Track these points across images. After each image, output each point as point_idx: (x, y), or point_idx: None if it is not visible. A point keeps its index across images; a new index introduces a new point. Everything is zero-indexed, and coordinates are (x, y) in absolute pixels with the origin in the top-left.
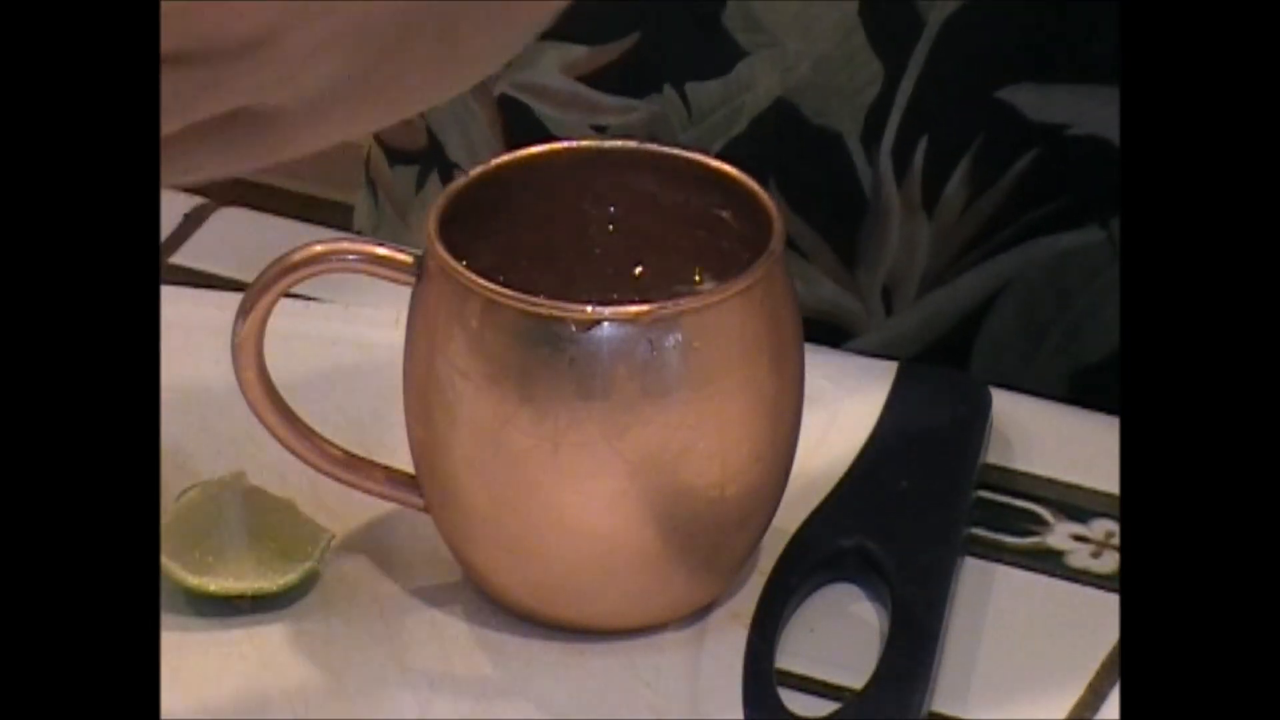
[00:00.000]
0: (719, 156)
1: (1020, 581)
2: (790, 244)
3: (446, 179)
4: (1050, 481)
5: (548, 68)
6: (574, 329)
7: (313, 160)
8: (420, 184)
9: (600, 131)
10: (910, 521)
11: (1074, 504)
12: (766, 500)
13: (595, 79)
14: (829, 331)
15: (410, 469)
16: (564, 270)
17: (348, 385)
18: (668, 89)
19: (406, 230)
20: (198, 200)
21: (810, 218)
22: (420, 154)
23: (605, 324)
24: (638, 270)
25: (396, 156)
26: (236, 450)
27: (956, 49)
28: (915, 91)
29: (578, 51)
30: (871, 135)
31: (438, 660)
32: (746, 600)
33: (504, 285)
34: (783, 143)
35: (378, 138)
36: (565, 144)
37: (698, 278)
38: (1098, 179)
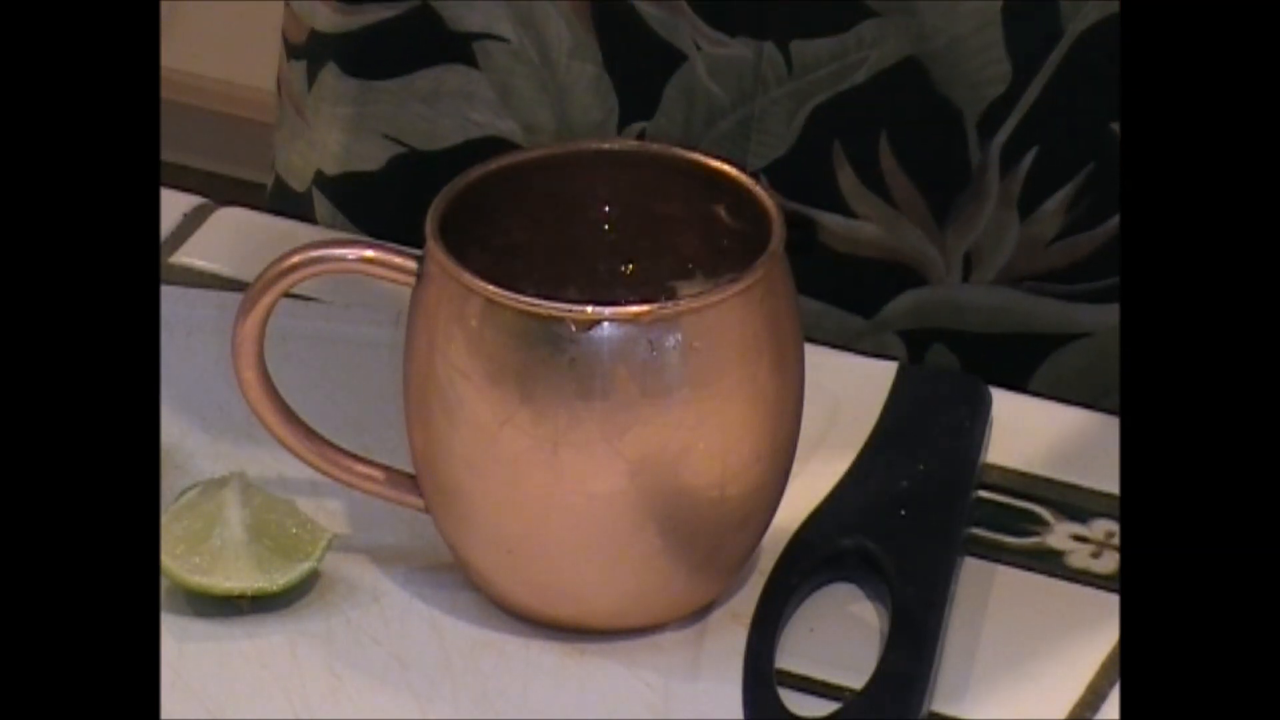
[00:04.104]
0: (824, 107)
1: (1020, 581)
2: (885, 193)
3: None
4: (1050, 481)
5: None
6: (574, 329)
7: None
8: (310, 79)
9: (698, 50)
10: (910, 521)
11: (1074, 504)
12: (766, 500)
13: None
14: (903, 272)
15: (410, 469)
16: (563, 270)
17: (348, 385)
18: (768, 44)
19: (305, 126)
20: (198, 200)
21: (911, 171)
22: (303, 49)
23: (605, 324)
24: (637, 270)
25: (291, 51)
26: (236, 450)
27: (1087, 68)
28: (1038, 101)
29: None
30: (988, 126)
31: (438, 660)
32: (746, 600)
33: (504, 285)
34: (904, 97)
35: (284, 31)
36: (565, 145)
37: (697, 277)
38: None
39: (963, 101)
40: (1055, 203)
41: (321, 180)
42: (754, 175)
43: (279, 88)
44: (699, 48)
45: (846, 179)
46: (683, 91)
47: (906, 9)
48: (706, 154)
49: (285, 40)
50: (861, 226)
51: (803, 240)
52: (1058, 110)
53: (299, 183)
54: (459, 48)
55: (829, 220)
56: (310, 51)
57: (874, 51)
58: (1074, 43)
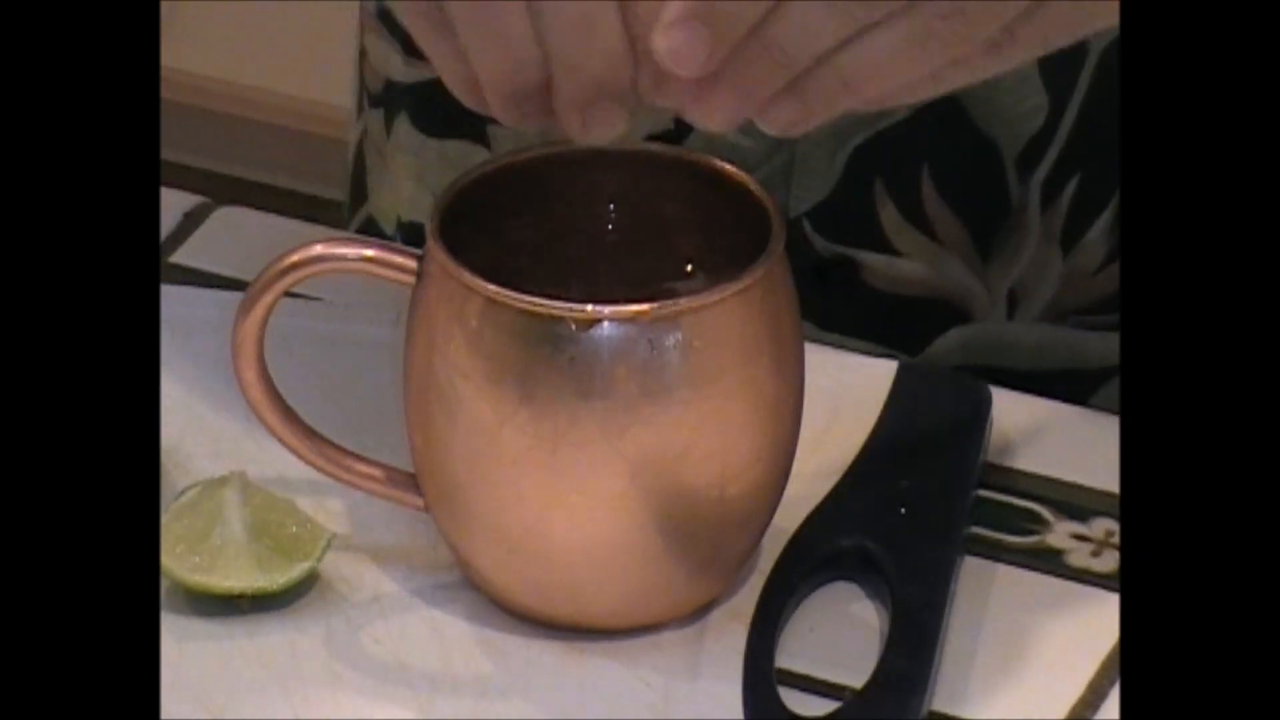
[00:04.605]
0: (864, 147)
1: (1020, 581)
2: (927, 227)
3: (431, 126)
4: (1050, 481)
5: None
6: (574, 329)
7: (313, 160)
8: (388, 127)
9: None
10: (910, 521)
11: (1074, 504)
12: (766, 500)
13: None
14: (948, 309)
15: (410, 469)
16: (563, 270)
17: (348, 385)
18: None
19: (386, 172)
20: (198, 200)
21: (954, 206)
22: (380, 97)
23: (605, 324)
24: (637, 270)
25: (371, 100)
26: (236, 450)
27: (1115, 85)
28: (1074, 128)
29: None
30: (1027, 161)
31: (438, 660)
32: (746, 600)
33: (504, 285)
34: (943, 134)
35: (362, 79)
36: (565, 145)
37: (697, 277)
38: None
39: (1001, 138)
40: (1097, 231)
41: (402, 225)
42: (795, 219)
43: (364, 134)
44: None
45: (889, 216)
46: (707, 145)
47: None
48: (707, 154)
49: (365, 89)
50: (905, 264)
51: (846, 281)
52: (1092, 135)
53: (388, 225)
54: None
55: (872, 260)
56: (387, 100)
57: None
58: (1099, 60)
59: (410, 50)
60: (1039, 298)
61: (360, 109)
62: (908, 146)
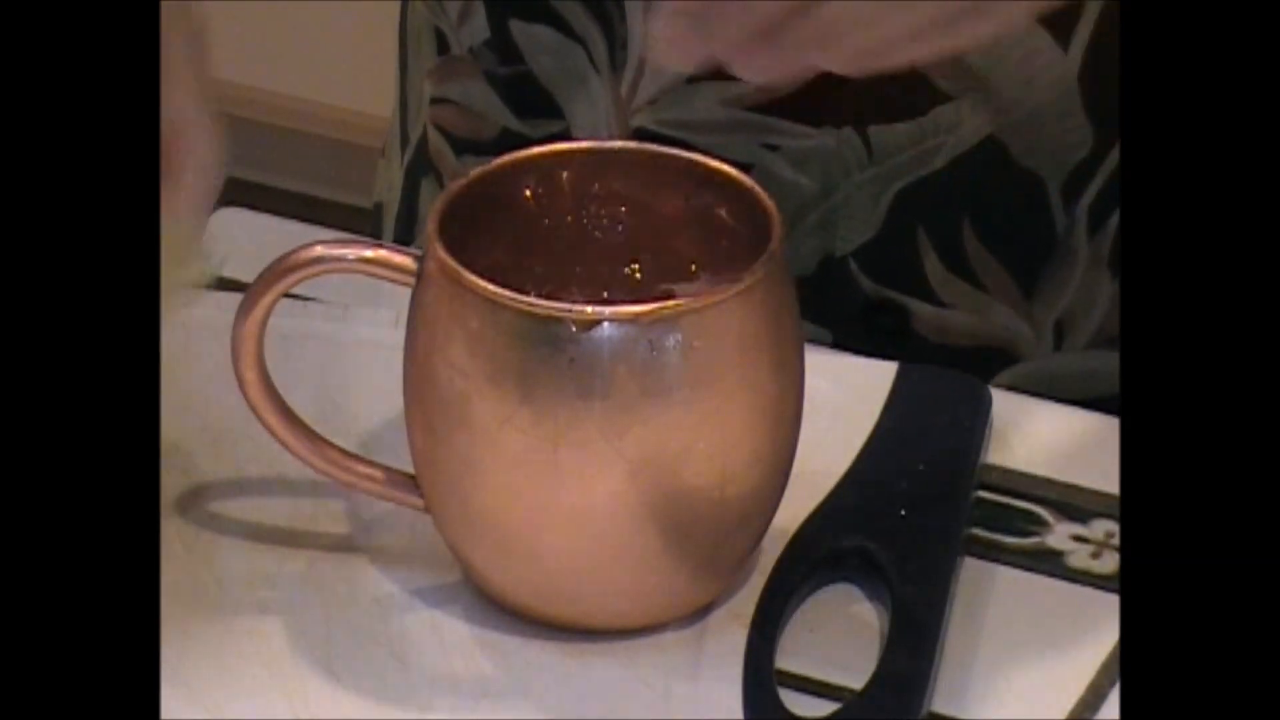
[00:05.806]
0: (906, 192)
1: (1020, 581)
2: (971, 276)
3: None
4: (1050, 481)
5: (704, 103)
6: (574, 329)
7: (313, 160)
8: None
9: (772, 150)
10: (910, 521)
11: (1074, 504)
12: (766, 500)
13: (768, 109)
14: (995, 354)
15: (410, 469)
16: (564, 270)
17: (348, 385)
18: (847, 130)
19: None
20: None
21: (996, 250)
22: (490, 145)
23: (605, 324)
24: (637, 270)
25: (462, 146)
26: (236, 450)
27: None
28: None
29: (744, 87)
30: (1073, 189)
31: (438, 660)
32: (746, 600)
33: (504, 285)
34: (984, 178)
35: (441, 127)
36: (565, 144)
37: (698, 277)
38: None
39: (1045, 171)
40: None
41: None
42: (842, 259)
43: (442, 178)
44: (776, 147)
45: (933, 266)
46: (763, 178)
47: (978, 85)
48: (706, 154)
49: (448, 136)
50: (951, 316)
51: (896, 328)
52: None
53: None
54: None
55: (920, 308)
56: (498, 147)
57: (951, 137)
58: None
59: (521, 112)
60: (1087, 326)
61: (404, 137)
62: (949, 191)
